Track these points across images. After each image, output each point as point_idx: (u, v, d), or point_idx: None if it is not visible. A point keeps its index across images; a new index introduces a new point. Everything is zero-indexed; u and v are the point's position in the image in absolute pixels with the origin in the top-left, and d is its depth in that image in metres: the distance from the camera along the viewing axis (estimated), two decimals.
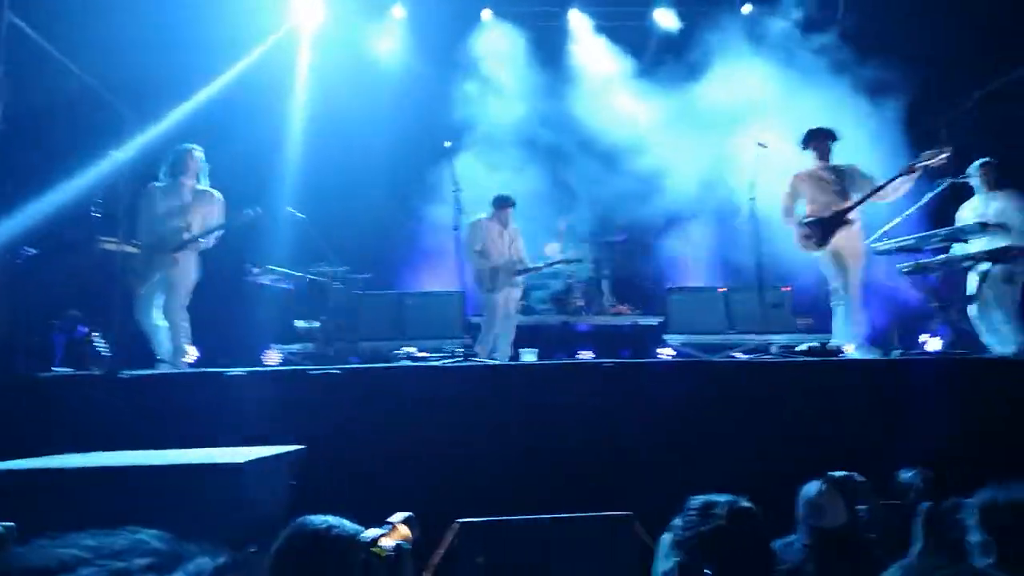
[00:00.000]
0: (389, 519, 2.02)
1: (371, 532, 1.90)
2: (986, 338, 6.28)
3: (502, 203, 7.57)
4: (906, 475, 3.45)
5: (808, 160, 6.56)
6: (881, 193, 6.16)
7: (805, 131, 6.57)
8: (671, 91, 9.79)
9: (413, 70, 9.99)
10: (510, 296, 7.54)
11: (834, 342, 6.17)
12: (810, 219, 6.30)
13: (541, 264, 7.76)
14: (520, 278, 7.57)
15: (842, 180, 6.38)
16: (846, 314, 6.24)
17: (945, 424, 4.20)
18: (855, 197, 6.26)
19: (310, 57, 9.66)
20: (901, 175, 6.06)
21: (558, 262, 8.27)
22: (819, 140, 6.48)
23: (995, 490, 2.10)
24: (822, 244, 6.24)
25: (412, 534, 2.01)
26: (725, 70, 9.71)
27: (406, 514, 2.06)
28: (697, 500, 2.15)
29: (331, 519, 1.97)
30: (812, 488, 3.05)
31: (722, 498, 2.13)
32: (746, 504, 2.12)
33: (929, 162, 5.98)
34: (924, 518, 2.63)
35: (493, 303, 7.36)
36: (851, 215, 6.23)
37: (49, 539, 0.87)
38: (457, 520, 3.46)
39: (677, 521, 2.14)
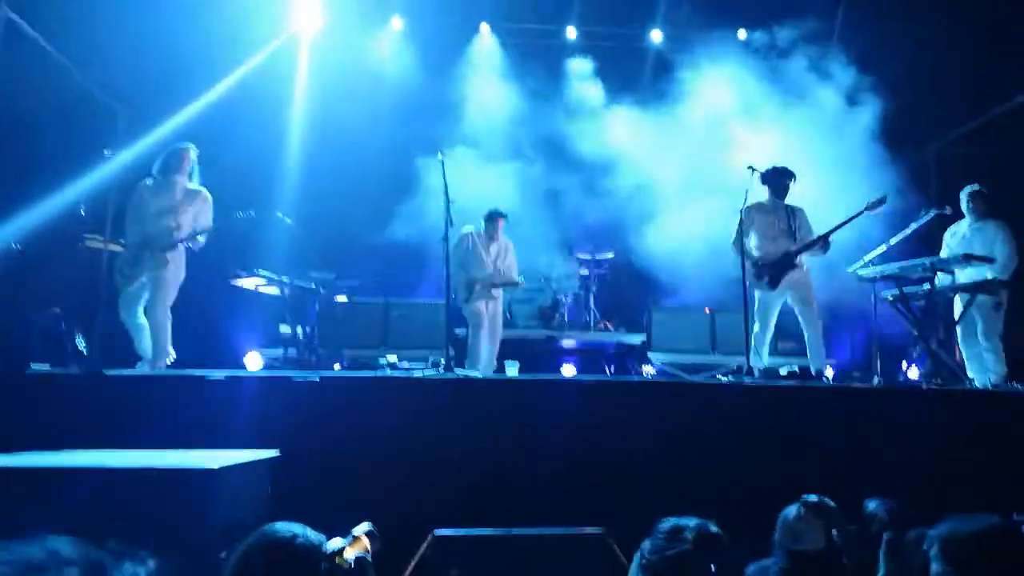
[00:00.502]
0: (352, 531, 2.03)
1: (334, 543, 1.91)
2: (968, 366, 6.36)
3: (492, 216, 7.53)
4: (871, 504, 3.45)
5: (761, 194, 6.62)
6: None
7: (767, 167, 6.61)
8: (664, 111, 9.88)
9: (409, 80, 10.04)
10: (494, 309, 7.47)
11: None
12: (762, 259, 6.37)
13: (518, 279, 7.58)
14: (498, 291, 7.45)
15: (793, 220, 6.49)
16: (812, 343, 6.37)
17: (919, 453, 4.23)
18: (802, 240, 6.39)
19: (308, 64, 9.70)
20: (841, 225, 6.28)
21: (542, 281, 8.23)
22: (779, 178, 6.55)
23: (956, 521, 2.10)
24: (774, 285, 6.32)
25: (373, 546, 2.02)
26: (718, 93, 9.81)
27: (368, 526, 2.08)
28: (666, 523, 2.15)
29: (296, 528, 1.97)
30: (791, 511, 3.06)
31: (691, 522, 2.13)
32: (714, 529, 2.12)
33: (871, 210, 6.21)
34: (886, 548, 2.64)
35: (473, 315, 7.30)
36: (799, 259, 6.34)
37: None
38: (432, 531, 3.45)
39: (646, 544, 2.14)
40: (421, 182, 8.75)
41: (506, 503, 4.08)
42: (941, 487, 3.78)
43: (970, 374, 6.33)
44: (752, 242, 6.48)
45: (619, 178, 9.82)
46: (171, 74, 8.26)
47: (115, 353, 6.36)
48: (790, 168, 6.61)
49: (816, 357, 6.33)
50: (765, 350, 6.50)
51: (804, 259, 6.39)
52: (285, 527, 1.95)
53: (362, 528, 2.06)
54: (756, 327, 6.49)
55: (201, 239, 6.03)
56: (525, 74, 10.16)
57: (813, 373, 6.13)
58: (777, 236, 6.41)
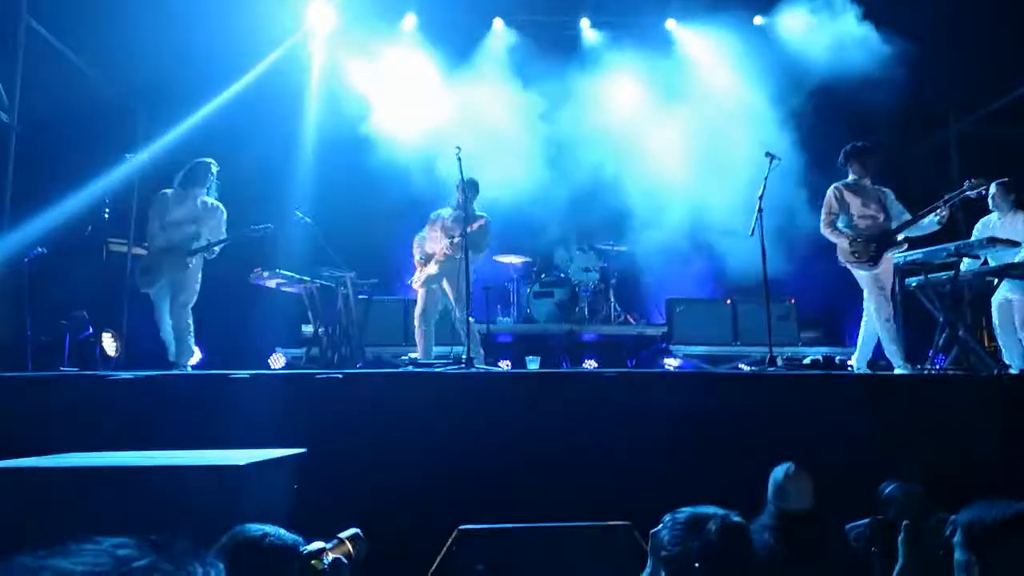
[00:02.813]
0: (339, 534, 2.02)
1: (314, 545, 1.90)
2: (1005, 353, 6.26)
3: (463, 186, 6.72)
4: (887, 488, 3.39)
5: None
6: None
7: (849, 146, 6.38)
8: (683, 102, 9.83)
9: (423, 76, 10.05)
10: (437, 287, 6.92)
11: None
12: (861, 236, 6.09)
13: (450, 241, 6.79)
14: (441, 266, 6.86)
15: (885, 198, 6.28)
16: (894, 336, 6.02)
17: (945, 440, 4.18)
18: (897, 218, 6.15)
19: (323, 62, 9.74)
20: (939, 207, 5.96)
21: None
22: (862, 156, 6.31)
23: (981, 507, 2.03)
24: (875, 262, 6.02)
25: (359, 550, 2.00)
26: (738, 81, 9.75)
27: (354, 530, 2.06)
28: (683, 514, 2.08)
29: (268, 528, 1.95)
30: (779, 471, 3.05)
31: (710, 510, 2.08)
32: (737, 519, 2.08)
33: (968, 192, 5.93)
34: (906, 535, 2.58)
35: (420, 298, 7.06)
36: (899, 236, 6.10)
37: (31, 556, 0.85)
38: (458, 527, 3.46)
39: (663, 535, 2.07)
40: (438, 177, 8.76)
41: (531, 497, 4.08)
42: (968, 474, 3.72)
43: (1007, 360, 6.21)
44: (846, 223, 6.23)
45: (637, 168, 9.78)
46: (188, 75, 8.34)
47: (140, 355, 6.45)
48: (870, 144, 6.39)
49: (894, 353, 6.02)
50: (894, 327, 6.08)
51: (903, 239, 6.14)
52: (256, 527, 1.93)
53: (347, 532, 2.05)
54: (873, 306, 6.11)
55: (216, 249, 6.31)
56: (539, 66, 10.11)
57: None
58: (872, 215, 6.18)
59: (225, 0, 8.15)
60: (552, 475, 4.26)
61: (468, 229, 6.44)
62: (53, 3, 7.49)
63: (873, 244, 6.03)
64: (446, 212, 7.14)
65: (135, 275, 6.33)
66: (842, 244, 6.16)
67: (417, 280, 7.06)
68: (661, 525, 2.13)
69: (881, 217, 6.17)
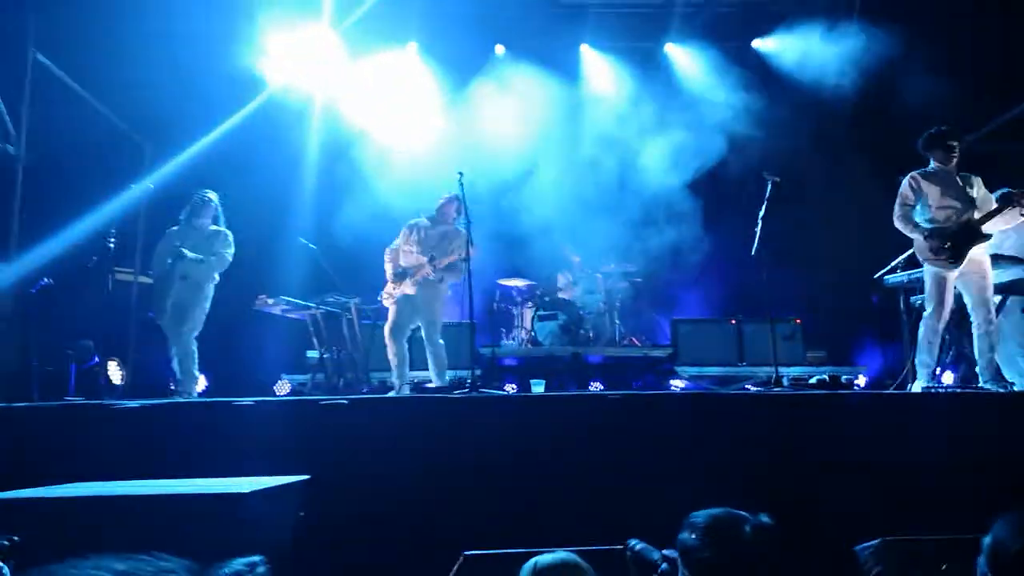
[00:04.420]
0: None
1: None
2: (1006, 370, 6.19)
3: (446, 201, 6.79)
4: (865, 552, 3.02)
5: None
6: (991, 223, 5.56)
7: (925, 133, 5.85)
8: (683, 124, 9.90)
9: (426, 101, 10.15)
10: (413, 304, 6.60)
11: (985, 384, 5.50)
12: (938, 229, 5.56)
13: (437, 262, 6.47)
14: (411, 284, 6.56)
15: (969, 187, 5.67)
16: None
17: (955, 460, 4.14)
18: (983, 209, 5.58)
19: (326, 89, 9.85)
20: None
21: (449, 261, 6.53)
22: (943, 140, 5.76)
23: (1005, 531, 1.94)
24: (956, 260, 5.47)
25: None
26: (739, 104, 9.82)
27: None
28: (707, 518, 2.02)
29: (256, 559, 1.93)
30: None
31: (736, 513, 2.02)
32: (767, 520, 2.02)
33: None
34: None
35: (391, 313, 6.68)
36: (986, 228, 5.56)
37: (80, 559, 0.88)
38: (463, 552, 3.44)
39: (689, 540, 2.01)
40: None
41: (536, 521, 4.05)
42: (977, 496, 3.68)
43: (1009, 378, 6.16)
44: (923, 215, 5.71)
45: (642, 189, 9.83)
46: (193, 105, 8.43)
47: (145, 383, 6.47)
48: (955, 128, 5.83)
49: (984, 367, 5.47)
50: (937, 340, 5.61)
51: (990, 229, 5.57)
52: (240, 563, 1.92)
53: None
54: (928, 310, 5.64)
55: (216, 277, 6.47)
56: (543, 89, 10.19)
57: (981, 383, 5.47)
58: (953, 205, 5.59)
59: (229, 31, 8.28)
60: (558, 498, 4.23)
61: (459, 256, 6.30)
62: (59, 37, 7.61)
63: (952, 239, 5.48)
64: (423, 222, 6.84)
65: (153, 305, 6.47)
66: (917, 239, 5.65)
67: (389, 296, 6.71)
68: (686, 530, 2.07)
69: (965, 208, 5.57)
